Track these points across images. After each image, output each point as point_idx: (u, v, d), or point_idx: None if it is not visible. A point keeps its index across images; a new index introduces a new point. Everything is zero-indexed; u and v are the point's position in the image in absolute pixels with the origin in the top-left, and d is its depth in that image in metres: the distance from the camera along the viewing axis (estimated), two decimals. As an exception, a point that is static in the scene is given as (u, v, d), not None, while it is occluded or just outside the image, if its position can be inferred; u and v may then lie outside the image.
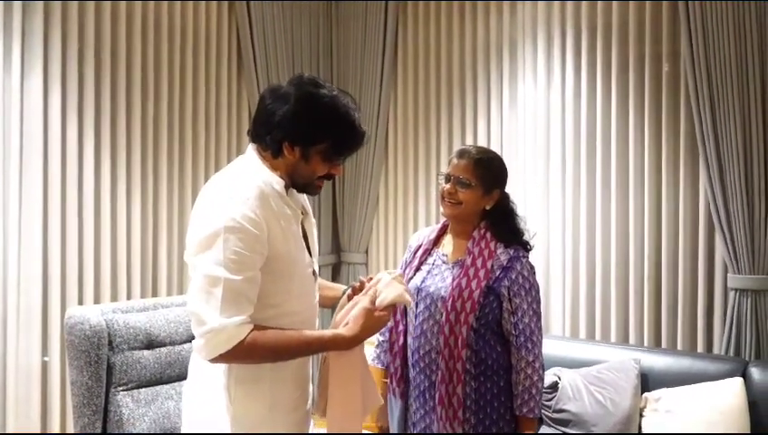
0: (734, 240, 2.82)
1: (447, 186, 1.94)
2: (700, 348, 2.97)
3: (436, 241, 2.04)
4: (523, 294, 1.87)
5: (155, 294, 3.45)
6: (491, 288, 1.86)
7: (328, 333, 1.54)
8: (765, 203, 2.76)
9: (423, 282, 1.95)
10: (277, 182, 1.52)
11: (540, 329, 1.91)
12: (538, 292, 1.93)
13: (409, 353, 1.96)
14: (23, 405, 2.94)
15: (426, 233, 2.09)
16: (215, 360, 1.42)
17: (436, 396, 1.87)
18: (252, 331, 1.40)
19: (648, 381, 2.70)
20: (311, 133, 1.49)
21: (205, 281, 1.39)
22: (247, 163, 1.56)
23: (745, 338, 2.80)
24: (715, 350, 2.94)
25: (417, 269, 2.00)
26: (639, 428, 2.61)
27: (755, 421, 2.46)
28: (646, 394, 2.66)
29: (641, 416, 2.62)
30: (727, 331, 2.85)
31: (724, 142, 2.82)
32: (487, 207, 1.96)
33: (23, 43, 2.91)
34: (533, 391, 1.87)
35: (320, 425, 1.71)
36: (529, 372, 1.87)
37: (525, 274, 1.90)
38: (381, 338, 2.11)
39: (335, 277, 4.40)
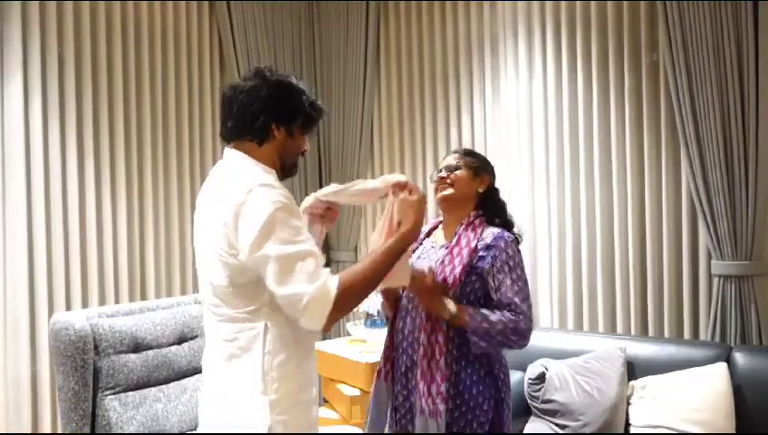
0: (716, 227, 2.83)
1: (439, 175, 2.01)
2: (686, 335, 2.99)
3: (428, 234, 2.08)
4: (506, 270, 1.86)
5: (143, 297, 3.45)
6: (474, 267, 1.87)
7: (391, 240, 1.64)
8: (746, 189, 2.78)
9: (411, 266, 1.97)
10: (275, 178, 1.62)
11: (525, 301, 1.85)
12: (524, 270, 1.91)
13: (395, 335, 1.97)
14: (13, 413, 2.94)
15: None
16: (326, 325, 1.48)
17: (418, 372, 1.86)
18: (337, 280, 1.50)
19: (634, 370, 2.72)
20: (290, 111, 1.64)
21: (284, 263, 1.46)
22: (242, 163, 1.62)
23: (730, 324, 2.82)
24: (701, 336, 2.96)
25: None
26: (627, 416, 2.63)
27: (739, 405, 2.48)
28: (632, 382, 2.68)
29: (628, 404, 2.64)
30: (712, 317, 2.87)
31: (704, 131, 2.83)
32: (480, 190, 2.00)
33: (1, 49, 2.91)
34: (491, 317, 1.80)
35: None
36: (505, 313, 1.82)
37: (510, 252, 1.89)
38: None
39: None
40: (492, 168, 2.08)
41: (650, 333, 3.07)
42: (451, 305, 1.82)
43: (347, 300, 1.50)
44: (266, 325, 1.54)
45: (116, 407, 2.20)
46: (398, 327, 1.96)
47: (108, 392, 2.20)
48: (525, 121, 3.46)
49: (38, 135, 3.02)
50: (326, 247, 4.37)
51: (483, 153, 3.58)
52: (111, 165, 3.32)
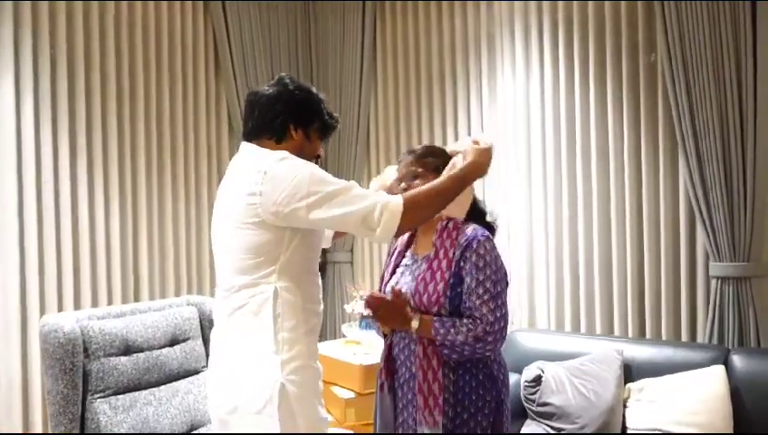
0: (714, 228, 2.81)
1: (402, 185, 1.93)
2: (684, 337, 2.97)
3: (410, 242, 2.03)
4: (473, 272, 1.79)
5: (137, 299, 3.42)
6: (457, 275, 1.83)
7: (458, 170, 1.77)
8: (744, 191, 2.75)
9: (396, 283, 1.94)
10: None
11: (492, 309, 1.77)
12: (495, 271, 1.81)
13: (393, 347, 1.95)
14: (4, 415, 2.91)
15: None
16: (399, 231, 1.63)
17: (416, 385, 1.84)
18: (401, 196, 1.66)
19: (631, 372, 2.69)
20: (309, 115, 1.77)
21: (340, 197, 1.59)
22: (257, 151, 1.71)
23: (728, 326, 2.79)
24: (699, 339, 2.93)
25: (393, 272, 2.00)
26: (624, 418, 2.60)
27: (737, 408, 2.45)
28: (629, 385, 2.65)
29: (625, 407, 2.62)
30: (710, 319, 2.85)
31: (702, 131, 2.80)
32: None
33: (-7, 49, 2.88)
34: (452, 330, 1.76)
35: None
36: (465, 321, 1.77)
37: (481, 252, 1.82)
38: None
39: (321, 277, 4.36)
40: (448, 158, 1.97)
41: (648, 335, 3.04)
42: (415, 321, 1.80)
43: (414, 207, 1.64)
44: (276, 289, 1.62)
45: (106, 410, 2.17)
46: (395, 340, 1.94)
47: (98, 396, 2.17)
48: (522, 122, 3.44)
49: (30, 135, 2.99)
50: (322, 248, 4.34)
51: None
52: (104, 165, 3.29)
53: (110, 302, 3.28)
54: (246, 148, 1.75)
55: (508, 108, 3.50)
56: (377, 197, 1.62)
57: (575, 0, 3.23)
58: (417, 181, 1.90)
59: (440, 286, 1.82)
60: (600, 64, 3.17)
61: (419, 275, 1.88)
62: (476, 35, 3.64)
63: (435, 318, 1.80)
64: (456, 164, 1.83)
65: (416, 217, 1.68)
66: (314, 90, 1.83)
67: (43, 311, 3.02)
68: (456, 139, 3.72)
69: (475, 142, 1.83)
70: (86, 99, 3.21)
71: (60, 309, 3.09)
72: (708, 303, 2.88)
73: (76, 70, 3.17)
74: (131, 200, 3.40)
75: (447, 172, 1.83)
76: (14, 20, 2.94)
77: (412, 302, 1.85)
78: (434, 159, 1.95)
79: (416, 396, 1.84)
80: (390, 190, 1.95)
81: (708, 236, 2.82)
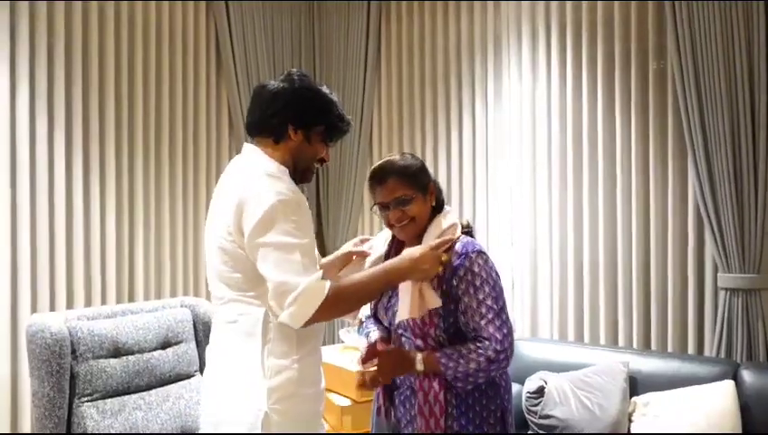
0: (723, 238, 2.74)
1: (390, 213, 1.79)
2: (691, 350, 2.89)
3: (398, 252, 1.90)
4: (471, 291, 1.72)
5: (131, 299, 3.35)
6: (448, 293, 1.75)
7: (395, 261, 1.68)
8: (755, 200, 2.68)
9: (389, 301, 1.86)
10: (285, 172, 1.65)
11: (498, 326, 1.70)
12: (494, 286, 1.74)
13: None
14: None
15: (380, 242, 1.97)
16: (308, 322, 1.50)
17: (416, 405, 1.77)
18: (330, 284, 1.53)
19: (636, 385, 2.61)
20: (312, 115, 1.67)
21: (281, 253, 1.49)
22: (256, 157, 1.66)
23: (737, 339, 2.72)
24: (707, 352, 2.86)
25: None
26: (629, 433, 2.52)
27: (747, 425, 2.38)
28: (634, 398, 2.57)
29: (630, 421, 2.54)
30: (718, 332, 2.77)
31: (713, 138, 2.74)
32: (433, 204, 1.85)
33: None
34: (461, 361, 1.68)
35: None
36: (471, 347, 1.70)
37: (475, 269, 1.73)
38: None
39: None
40: (427, 169, 1.87)
41: (653, 346, 2.97)
42: (419, 363, 1.72)
43: (337, 302, 1.52)
44: (266, 313, 1.56)
45: (93, 414, 2.10)
46: None
47: (85, 399, 2.10)
48: (528, 125, 3.38)
49: (24, 131, 2.94)
50: (321, 251, 4.26)
51: (484, 158, 3.56)
52: (101, 163, 3.23)
53: (103, 302, 3.22)
54: (246, 150, 1.70)
55: (514, 111, 3.44)
56: (307, 276, 1.48)
57: (584, 1, 3.17)
58: (410, 207, 1.77)
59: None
60: (609, 68, 3.11)
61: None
62: (483, 36, 3.58)
63: (439, 354, 1.72)
64: (375, 248, 1.78)
65: (333, 313, 1.56)
66: (325, 89, 1.72)
67: (34, 310, 2.95)
68: (461, 140, 3.66)
69: (433, 248, 1.71)
70: (83, 97, 3.15)
71: (52, 308, 3.02)
72: (716, 315, 2.81)
73: (73, 66, 3.11)
74: (128, 198, 3.34)
75: (371, 261, 1.77)
76: (10, 13, 2.89)
77: (410, 323, 1.77)
78: (419, 174, 1.81)
79: (416, 417, 1.77)
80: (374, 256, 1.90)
81: (717, 247, 2.75)
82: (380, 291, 1.66)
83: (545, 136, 3.32)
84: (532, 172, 3.36)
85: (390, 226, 1.81)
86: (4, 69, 2.86)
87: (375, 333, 1.92)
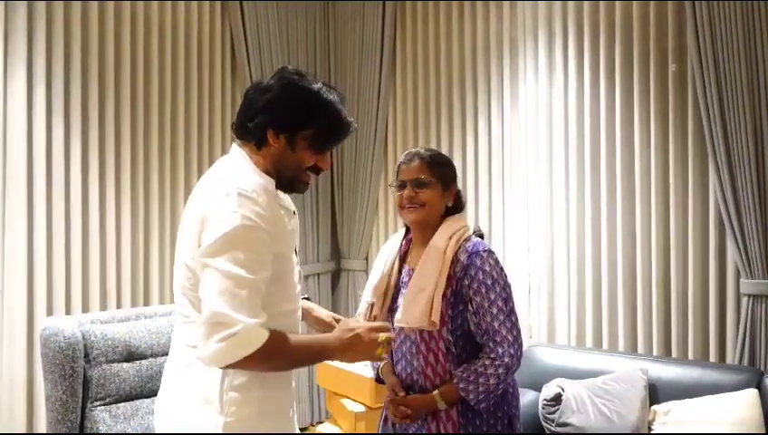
0: (746, 243, 2.68)
1: (405, 191, 1.80)
2: (713, 357, 2.83)
3: (403, 259, 1.91)
4: (483, 290, 1.72)
5: (147, 303, 3.34)
6: (457, 293, 1.74)
7: (333, 341, 1.50)
8: (779, 204, 2.63)
9: (395, 302, 1.84)
10: (270, 183, 1.50)
11: (510, 328, 1.72)
12: (504, 286, 1.75)
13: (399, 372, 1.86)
14: (6, 416, 2.84)
15: (390, 248, 1.96)
16: (233, 365, 1.34)
17: (425, 418, 1.77)
18: (269, 334, 1.37)
19: (656, 393, 2.56)
20: (293, 119, 1.48)
21: (230, 282, 1.33)
22: (239, 162, 1.51)
23: (760, 347, 2.66)
24: (728, 360, 2.80)
25: (396, 293, 1.88)
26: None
27: (771, 436, 2.32)
28: (655, 407, 2.52)
29: (650, 430, 2.49)
30: (741, 339, 2.71)
31: (735, 141, 2.69)
32: (449, 205, 1.85)
33: (5, 42, 2.83)
34: (481, 380, 1.70)
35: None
36: (486, 362, 1.71)
37: (487, 268, 1.73)
38: None
39: (335, 285, 4.29)
40: (455, 170, 1.90)
41: (674, 354, 2.91)
42: (440, 403, 1.73)
43: (268, 357, 1.36)
44: None
45: (106, 419, 2.09)
46: (398, 370, 1.86)
47: (98, 403, 2.09)
48: (544, 129, 3.33)
49: (41, 133, 2.94)
50: (337, 256, 4.26)
51: (500, 161, 3.52)
52: (117, 166, 3.23)
53: (119, 305, 3.22)
54: (231, 152, 1.55)
55: (530, 114, 3.40)
56: (247, 317, 1.32)
57: (602, 1, 3.12)
58: (424, 191, 1.79)
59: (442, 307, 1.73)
60: (627, 70, 3.06)
61: None
62: (498, 39, 3.54)
63: (455, 380, 1.72)
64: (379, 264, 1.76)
65: (260, 366, 1.39)
66: (321, 88, 1.51)
67: (50, 313, 2.95)
68: (476, 144, 3.62)
69: (370, 330, 1.53)
70: (99, 96, 3.15)
71: (68, 312, 3.02)
72: (738, 322, 2.75)
73: (89, 67, 3.12)
74: (143, 201, 3.33)
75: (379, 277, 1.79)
76: (28, 14, 2.89)
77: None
78: (445, 169, 1.84)
79: (426, 421, 1.78)
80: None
81: (740, 252, 2.70)
82: (310, 363, 1.52)
83: (562, 140, 3.27)
84: (549, 176, 3.32)
85: (402, 208, 1.82)
86: (21, 72, 2.87)
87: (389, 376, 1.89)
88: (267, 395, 1.47)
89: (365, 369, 2.95)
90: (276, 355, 1.38)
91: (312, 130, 1.48)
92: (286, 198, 1.63)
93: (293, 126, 1.47)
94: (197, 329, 1.36)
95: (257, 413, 1.45)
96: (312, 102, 1.48)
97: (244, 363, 1.34)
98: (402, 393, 1.79)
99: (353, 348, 1.48)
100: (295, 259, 1.57)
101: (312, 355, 1.49)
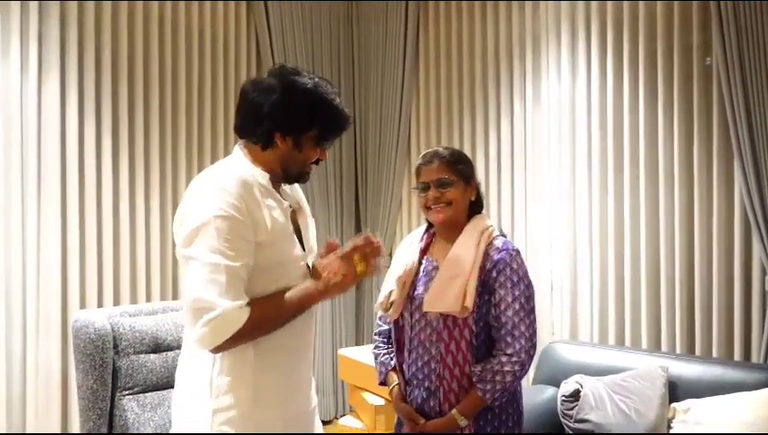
0: (771, 241, 2.65)
1: (430, 193, 1.84)
2: (737, 356, 2.80)
3: (426, 250, 1.93)
4: (509, 285, 1.76)
5: (175, 296, 3.44)
6: (484, 284, 1.78)
7: (314, 286, 1.51)
8: (805, 201, 2.59)
9: (415, 290, 1.87)
10: (261, 175, 1.52)
11: (528, 325, 1.76)
12: (528, 286, 1.80)
13: (405, 368, 1.88)
14: (42, 408, 2.96)
15: (412, 240, 1.98)
16: (218, 348, 1.40)
17: (439, 409, 1.79)
18: (250, 311, 1.41)
19: (677, 391, 2.54)
20: (301, 122, 1.52)
21: (205, 269, 1.38)
22: (231, 160, 1.56)
23: (786, 345, 2.63)
24: (753, 358, 2.77)
25: (413, 282, 1.90)
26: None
27: (794, 435, 2.29)
28: (674, 404, 2.50)
29: (669, 427, 2.47)
30: (766, 337, 2.68)
31: (760, 139, 2.65)
32: (472, 199, 1.89)
33: (39, 46, 2.95)
34: (498, 378, 1.74)
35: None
36: (503, 360, 1.74)
37: (515, 266, 1.79)
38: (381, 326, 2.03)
39: (359, 282, 4.33)
40: (474, 166, 1.93)
41: (697, 352, 2.89)
42: (461, 420, 1.76)
43: (253, 331, 1.40)
44: None
45: (134, 407, 2.16)
46: (410, 360, 1.87)
47: (126, 392, 2.17)
48: (567, 127, 3.33)
49: (74, 134, 3.05)
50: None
51: (522, 160, 3.52)
52: (146, 164, 3.33)
53: (148, 299, 3.32)
54: (234, 152, 1.58)
55: (552, 112, 3.39)
56: (228, 299, 1.36)
57: (625, 0, 3.11)
58: (449, 190, 1.82)
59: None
60: (651, 67, 3.04)
61: None
62: (521, 37, 3.55)
63: (475, 379, 1.76)
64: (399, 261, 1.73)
65: (251, 336, 1.42)
66: (315, 85, 1.52)
67: (82, 307, 3.07)
68: (499, 142, 3.63)
69: (361, 247, 1.55)
70: (128, 98, 3.26)
71: (99, 305, 3.13)
72: (764, 320, 2.72)
73: (120, 69, 3.22)
74: (171, 200, 3.43)
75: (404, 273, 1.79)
76: (60, 18, 3.00)
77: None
78: (465, 166, 1.88)
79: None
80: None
81: (766, 249, 2.66)
82: (295, 316, 1.49)
83: (585, 138, 3.26)
84: (572, 174, 3.31)
85: (427, 208, 1.85)
86: (55, 77, 2.98)
87: (393, 376, 1.92)
88: (262, 380, 1.47)
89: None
90: (261, 325, 1.42)
91: (316, 129, 1.53)
92: (297, 193, 1.67)
93: (300, 128, 1.52)
94: (184, 316, 1.42)
95: (252, 400, 1.45)
96: (315, 103, 1.52)
97: (233, 343, 1.39)
98: (422, 421, 1.81)
99: (333, 279, 1.50)
100: (300, 253, 1.57)
101: (297, 307, 1.49)
